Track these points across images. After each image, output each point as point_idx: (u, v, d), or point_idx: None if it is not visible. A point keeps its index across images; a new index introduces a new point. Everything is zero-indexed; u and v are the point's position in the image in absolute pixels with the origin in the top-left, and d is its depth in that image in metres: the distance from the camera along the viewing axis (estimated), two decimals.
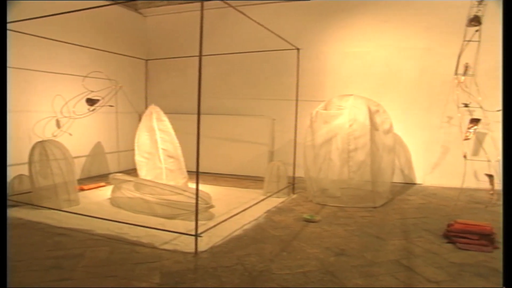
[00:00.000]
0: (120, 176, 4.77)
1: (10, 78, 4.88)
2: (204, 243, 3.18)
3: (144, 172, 5.33)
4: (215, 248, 3.16)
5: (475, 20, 4.86)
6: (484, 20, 4.94)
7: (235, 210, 4.16)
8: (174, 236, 3.32)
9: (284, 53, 5.52)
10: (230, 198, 5.00)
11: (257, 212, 4.26)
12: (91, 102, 5.65)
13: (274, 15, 6.65)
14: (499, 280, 2.63)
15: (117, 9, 6.94)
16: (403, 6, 6.18)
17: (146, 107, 5.77)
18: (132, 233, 3.45)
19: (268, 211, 4.41)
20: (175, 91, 7.55)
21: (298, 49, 5.19)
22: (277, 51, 5.60)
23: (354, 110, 4.68)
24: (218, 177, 6.65)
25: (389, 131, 4.90)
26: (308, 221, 4.00)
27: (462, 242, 3.33)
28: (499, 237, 3.47)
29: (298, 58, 5.25)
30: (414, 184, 6.30)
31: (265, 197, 4.88)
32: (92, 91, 5.68)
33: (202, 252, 3.04)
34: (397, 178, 6.24)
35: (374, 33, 6.38)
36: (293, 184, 5.39)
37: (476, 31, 4.99)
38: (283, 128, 6.67)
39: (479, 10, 4.83)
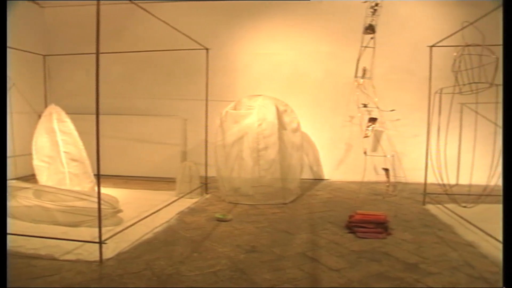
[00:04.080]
0: (15, 183, 4.34)
1: None
2: (111, 250, 3.03)
3: (44, 178, 4.92)
4: (122, 254, 3.03)
5: (370, 29, 5.33)
6: (378, 29, 5.43)
7: (145, 213, 4.02)
8: (77, 245, 3.12)
9: (195, 53, 5.48)
10: (141, 201, 4.82)
11: (169, 214, 4.18)
12: None
13: (184, 14, 6.57)
14: (391, 263, 2.91)
15: None
16: (308, 11, 6.52)
17: (47, 107, 5.32)
18: (29, 245, 3.15)
19: (181, 212, 4.36)
20: (80, 90, 7.05)
21: (207, 49, 5.20)
22: (188, 51, 5.54)
23: (263, 110, 4.82)
24: (129, 180, 6.37)
25: (297, 130, 5.14)
26: (220, 220, 4.03)
27: (361, 231, 3.62)
28: (392, 224, 3.86)
29: (207, 58, 5.26)
30: (322, 180, 6.68)
31: (177, 198, 4.81)
32: None
33: (108, 259, 2.90)
34: (307, 175, 6.58)
35: (282, 35, 6.64)
36: (205, 184, 5.39)
37: (371, 38, 5.47)
38: (195, 128, 6.62)
39: (373, 19, 5.30)
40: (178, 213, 4.29)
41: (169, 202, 4.55)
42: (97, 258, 2.86)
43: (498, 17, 4.14)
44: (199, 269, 2.76)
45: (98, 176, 2.93)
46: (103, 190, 4.23)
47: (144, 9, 3.70)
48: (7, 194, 2.98)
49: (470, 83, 4.21)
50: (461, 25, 4.09)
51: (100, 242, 2.86)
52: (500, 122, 5.19)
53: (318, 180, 6.65)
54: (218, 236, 3.55)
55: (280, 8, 6.58)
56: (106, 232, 3.20)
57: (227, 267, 2.81)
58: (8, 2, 2.31)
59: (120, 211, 3.82)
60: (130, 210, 4.19)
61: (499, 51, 4.10)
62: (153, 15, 3.87)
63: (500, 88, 4.24)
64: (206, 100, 5.32)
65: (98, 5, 2.68)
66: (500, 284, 2.56)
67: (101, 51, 2.91)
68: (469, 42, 4.17)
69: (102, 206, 3.35)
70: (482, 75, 4.15)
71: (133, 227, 3.52)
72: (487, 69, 4.16)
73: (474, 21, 3.86)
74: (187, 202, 4.77)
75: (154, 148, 6.73)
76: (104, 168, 6.55)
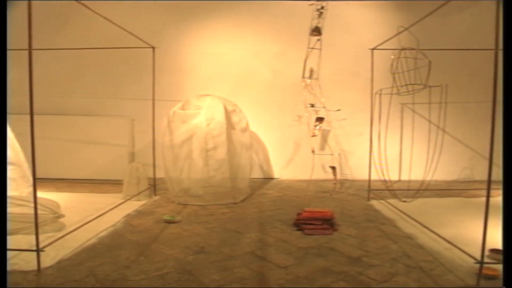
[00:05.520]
0: None
1: None
2: (50, 258, 2.88)
3: None
4: (64, 261, 2.89)
5: (316, 31, 5.47)
6: (324, 31, 5.59)
7: (90, 218, 3.86)
8: (12, 255, 2.92)
9: (142, 52, 5.35)
10: (85, 205, 4.63)
11: (115, 218, 4.05)
12: None
13: (131, 12, 6.39)
14: (336, 258, 3.01)
15: None
16: (257, 12, 6.59)
17: None
18: None
19: (127, 215, 4.24)
20: (17, 88, 6.62)
21: (153, 47, 5.10)
22: (136, 49, 5.40)
23: (211, 110, 4.80)
24: (73, 183, 6.09)
25: (245, 129, 5.17)
26: (169, 222, 3.96)
27: (308, 228, 3.71)
28: (338, 220, 4.00)
29: (153, 57, 5.16)
30: (272, 178, 6.78)
31: (124, 200, 4.66)
32: None
33: (47, 268, 2.75)
34: (257, 174, 6.64)
35: (231, 35, 6.65)
36: (154, 186, 5.28)
37: (318, 40, 5.62)
38: (143, 128, 6.44)
39: (319, 22, 5.45)
40: (124, 216, 4.17)
41: (116, 205, 4.40)
42: (35, 267, 2.70)
43: (430, 23, 4.43)
44: (145, 273, 2.70)
45: (34, 180, 2.78)
46: (44, 194, 4.06)
47: (86, 6, 3.56)
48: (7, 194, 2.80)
49: (406, 85, 4.47)
50: (397, 29, 4.32)
51: (38, 250, 2.70)
52: (433, 121, 5.54)
53: (268, 179, 6.74)
54: (166, 238, 3.49)
55: (229, 7, 6.59)
56: (46, 238, 3.05)
57: (175, 269, 2.77)
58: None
59: (61, 216, 3.64)
60: (73, 215, 4.02)
61: (431, 55, 4.39)
62: (95, 11, 3.73)
63: (433, 90, 4.55)
64: (153, 99, 5.22)
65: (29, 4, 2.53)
66: (434, 272, 2.74)
67: (40, 47, 2.76)
68: (405, 46, 4.42)
69: (41, 212, 3.20)
70: (417, 77, 4.41)
71: (75, 232, 3.37)
72: (421, 72, 4.42)
73: (409, 26, 4.10)
74: (134, 205, 4.64)
75: (100, 149, 6.49)
76: (47, 171, 6.25)
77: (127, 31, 4.51)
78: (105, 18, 3.97)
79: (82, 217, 3.98)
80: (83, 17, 6.30)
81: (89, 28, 6.42)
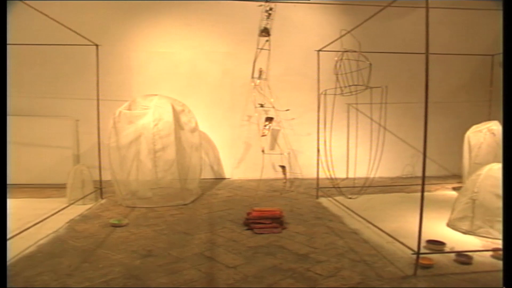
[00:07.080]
0: None
1: None
2: None
3: None
4: None
5: (265, 32, 5.55)
6: (272, 32, 5.68)
7: (29, 225, 3.65)
8: None
9: (86, 50, 5.13)
10: (25, 212, 4.36)
11: (58, 223, 3.86)
12: None
13: (74, 9, 6.11)
14: (285, 256, 3.06)
15: None
16: (206, 12, 6.54)
17: None
18: None
19: (71, 220, 4.05)
20: None
21: (97, 45, 4.91)
22: (79, 47, 5.17)
23: (158, 110, 4.71)
24: (13, 188, 5.68)
25: (195, 129, 5.13)
26: (116, 226, 3.84)
27: (258, 227, 3.75)
28: (288, 218, 4.08)
29: (97, 54, 4.96)
30: (224, 179, 6.77)
31: (68, 205, 4.45)
32: None
33: None
34: (208, 174, 6.60)
35: (179, 35, 6.56)
36: (100, 189, 5.09)
37: (267, 41, 5.70)
38: (88, 129, 6.16)
39: (268, 23, 5.53)
40: (68, 222, 3.99)
41: (58, 210, 4.19)
42: None
43: (372, 27, 4.62)
44: (89, 280, 2.59)
45: None
46: None
47: (28, 4, 3.37)
48: (6, 194, 2.55)
49: (349, 85, 4.64)
50: (340, 32, 4.48)
51: None
52: (376, 120, 5.81)
53: (219, 179, 6.72)
54: (113, 242, 3.38)
55: (178, 6, 6.49)
56: None
57: (121, 274, 2.69)
58: None
59: None
60: (10, 222, 3.76)
61: (373, 58, 4.59)
62: (33, 7, 3.54)
63: (374, 91, 4.75)
64: (98, 99, 5.02)
65: None
66: (376, 264, 2.88)
67: None
68: (348, 48, 4.59)
69: None
70: (359, 78, 4.60)
71: (12, 241, 3.16)
72: (363, 73, 4.61)
73: (351, 30, 4.27)
74: (79, 209, 4.46)
75: (42, 152, 6.16)
76: None
77: (67, 27, 4.30)
78: (42, 13, 3.77)
79: (20, 224, 3.75)
80: (22, 13, 5.94)
81: (29, 24, 6.04)
